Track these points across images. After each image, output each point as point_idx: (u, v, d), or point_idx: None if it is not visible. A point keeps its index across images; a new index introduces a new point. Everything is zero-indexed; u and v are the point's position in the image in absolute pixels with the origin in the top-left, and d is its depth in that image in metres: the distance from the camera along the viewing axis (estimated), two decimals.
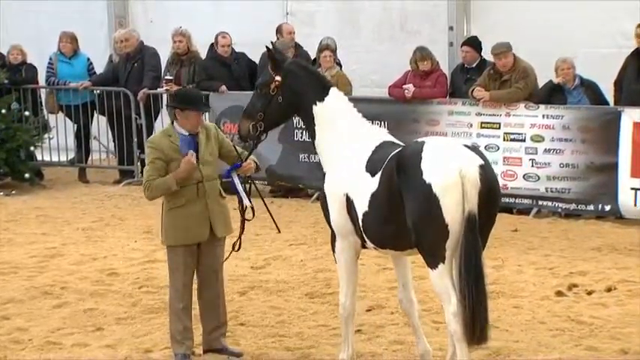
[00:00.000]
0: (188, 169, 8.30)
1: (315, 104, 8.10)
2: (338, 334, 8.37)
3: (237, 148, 8.67)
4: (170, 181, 8.30)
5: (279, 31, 15.86)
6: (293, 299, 10.20)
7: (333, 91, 8.18)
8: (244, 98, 13.45)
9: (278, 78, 8.21)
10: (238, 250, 8.72)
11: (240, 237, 8.64)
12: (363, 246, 7.96)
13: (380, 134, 8.16)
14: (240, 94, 14.67)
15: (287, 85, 8.19)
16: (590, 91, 13.58)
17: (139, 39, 16.38)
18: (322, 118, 8.10)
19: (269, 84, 8.27)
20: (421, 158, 7.31)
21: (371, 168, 7.70)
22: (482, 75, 13.93)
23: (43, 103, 16.89)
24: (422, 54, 14.30)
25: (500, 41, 13.80)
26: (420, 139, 7.72)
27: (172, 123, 8.53)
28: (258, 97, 8.37)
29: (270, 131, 8.50)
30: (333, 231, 8.04)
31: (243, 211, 8.60)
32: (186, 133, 8.41)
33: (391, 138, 8.11)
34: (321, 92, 8.12)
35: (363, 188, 7.66)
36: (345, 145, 7.97)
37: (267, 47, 8.41)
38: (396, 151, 7.62)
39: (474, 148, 7.58)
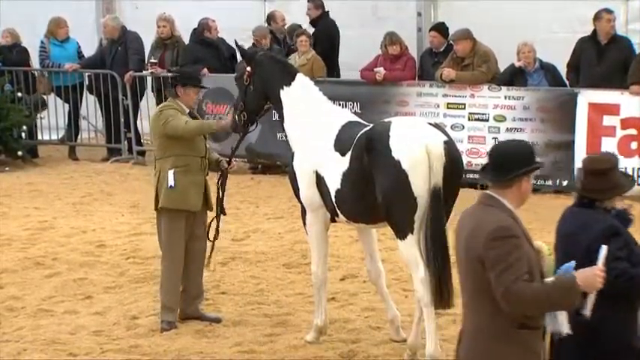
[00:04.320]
0: (229, 125, 8.48)
1: (282, 89, 8.14)
2: (313, 301, 8.37)
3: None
4: (211, 122, 8.41)
5: (272, 18, 15.79)
6: (271, 269, 10.20)
7: (300, 76, 8.23)
8: (227, 81, 13.43)
9: (249, 69, 8.29)
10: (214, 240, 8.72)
11: (217, 228, 8.63)
12: (333, 220, 7.95)
13: (344, 114, 8.19)
14: (223, 76, 14.56)
15: (256, 74, 8.24)
16: (550, 73, 13.61)
17: (120, 25, 16.23)
18: (289, 101, 8.13)
19: (242, 75, 8.35)
20: (389, 137, 7.33)
21: (340, 147, 7.70)
22: (447, 58, 13.96)
23: (37, 84, 16.75)
24: (392, 39, 14.28)
25: (463, 27, 13.82)
26: (386, 120, 7.76)
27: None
28: (238, 90, 8.51)
29: (257, 120, 8.55)
30: (303, 205, 8.04)
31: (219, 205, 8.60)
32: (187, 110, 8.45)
33: (355, 118, 8.14)
34: (288, 78, 8.16)
35: (334, 167, 7.66)
36: (311, 125, 7.98)
37: (235, 42, 8.50)
38: (364, 130, 7.62)
39: (438, 126, 7.63)
